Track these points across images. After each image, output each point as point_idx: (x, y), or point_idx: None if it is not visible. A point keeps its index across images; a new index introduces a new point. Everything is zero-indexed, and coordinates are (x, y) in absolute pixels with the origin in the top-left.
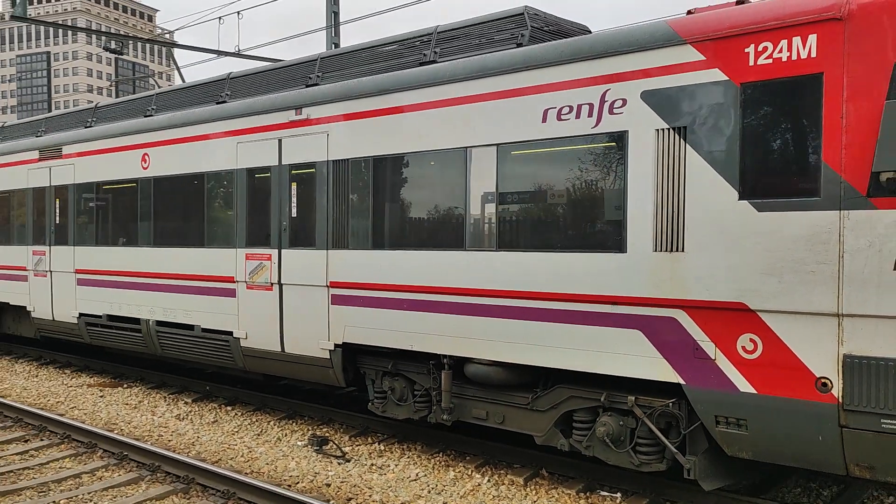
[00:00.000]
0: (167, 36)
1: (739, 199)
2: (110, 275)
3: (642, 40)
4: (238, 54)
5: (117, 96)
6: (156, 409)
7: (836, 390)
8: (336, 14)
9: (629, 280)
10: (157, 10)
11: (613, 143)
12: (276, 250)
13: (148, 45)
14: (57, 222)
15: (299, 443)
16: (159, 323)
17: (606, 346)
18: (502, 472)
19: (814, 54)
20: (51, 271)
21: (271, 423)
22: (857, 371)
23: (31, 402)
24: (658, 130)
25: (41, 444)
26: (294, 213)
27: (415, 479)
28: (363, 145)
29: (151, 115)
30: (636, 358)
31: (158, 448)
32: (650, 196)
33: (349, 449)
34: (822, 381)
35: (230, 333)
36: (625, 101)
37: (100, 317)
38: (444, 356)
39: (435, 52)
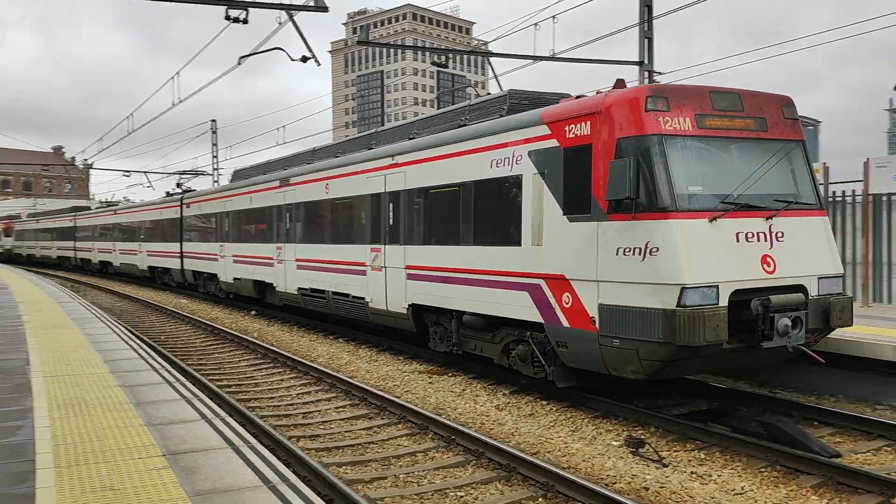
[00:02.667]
0: (483, 47)
1: (563, 214)
2: (311, 262)
3: (528, 121)
4: (553, 58)
5: (439, 107)
6: (477, 399)
7: (597, 324)
8: (649, 7)
9: (521, 262)
10: (474, 23)
11: (517, 182)
12: (383, 245)
13: (466, 57)
14: (287, 225)
15: (614, 443)
16: (333, 293)
17: (513, 301)
18: (843, 495)
19: (588, 132)
20: (281, 260)
21: (585, 420)
22: (605, 313)
23: (373, 384)
24: (534, 174)
25: (382, 422)
26: (391, 221)
27: (740, 493)
28: (419, 180)
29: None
30: (525, 308)
31: (482, 435)
32: (530, 213)
33: (666, 454)
34: (592, 318)
35: (363, 299)
36: (521, 157)
37: (306, 290)
38: (454, 310)
39: (466, 119)
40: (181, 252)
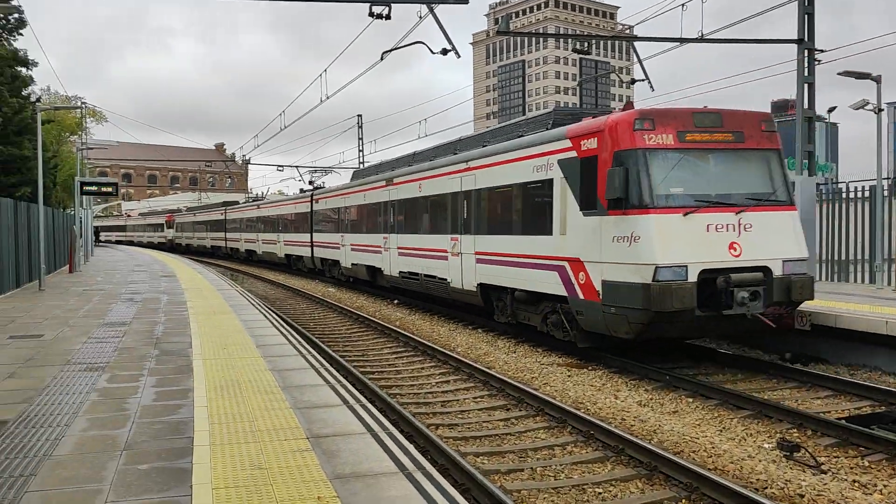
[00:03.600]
0: (627, 31)
1: (579, 210)
2: (408, 249)
3: (557, 136)
4: (701, 39)
5: (581, 95)
6: (618, 394)
7: (601, 295)
8: None
9: (552, 248)
10: (618, 7)
11: (550, 184)
12: (460, 235)
13: (609, 42)
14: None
15: (766, 445)
16: (424, 275)
17: (547, 280)
18: None
19: (595, 146)
20: (387, 248)
21: (734, 420)
22: (605, 287)
23: (511, 376)
24: (561, 178)
25: (519, 413)
26: (465, 216)
27: None
28: (485, 181)
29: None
30: (555, 285)
31: (622, 431)
32: (558, 209)
33: (824, 459)
34: (598, 291)
35: (445, 279)
36: (553, 164)
37: (405, 273)
38: (508, 287)
39: (523, 132)
40: (311, 242)
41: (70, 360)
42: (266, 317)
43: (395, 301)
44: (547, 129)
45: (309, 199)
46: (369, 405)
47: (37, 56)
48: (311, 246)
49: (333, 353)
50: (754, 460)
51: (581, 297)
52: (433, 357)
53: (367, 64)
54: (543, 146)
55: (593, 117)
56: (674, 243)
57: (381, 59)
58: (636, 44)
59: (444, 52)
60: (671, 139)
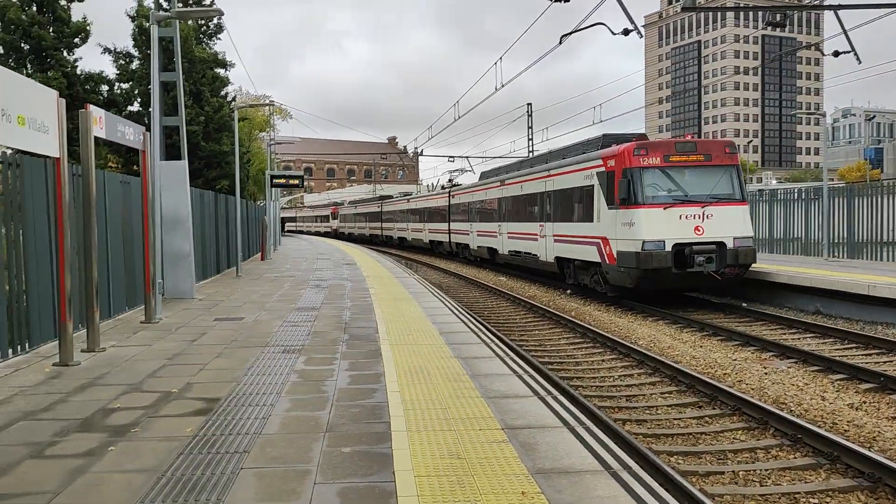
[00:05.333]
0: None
1: (607, 206)
2: (514, 234)
3: (595, 157)
4: None
5: (764, 76)
6: (825, 395)
7: (616, 260)
8: None
9: (593, 230)
10: None
11: (591, 188)
12: (543, 223)
13: (796, 17)
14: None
15: None
16: (525, 253)
17: (590, 252)
18: None
19: (613, 164)
20: (500, 234)
21: None
22: (618, 255)
23: (701, 371)
24: (597, 184)
25: (713, 412)
26: (547, 209)
27: None
28: (556, 185)
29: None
30: (595, 255)
31: (836, 436)
32: (595, 205)
33: None
34: (615, 257)
35: (537, 255)
36: (593, 175)
37: (512, 251)
38: (571, 258)
39: (584, 149)
40: (449, 230)
41: (269, 343)
42: (445, 304)
43: (568, 291)
44: (598, 148)
45: (447, 195)
46: (561, 397)
47: (231, 58)
48: (449, 233)
49: (512, 344)
50: None
51: (607, 262)
52: (613, 349)
53: (532, 55)
54: (589, 162)
55: (617, 143)
56: (655, 227)
57: (560, 42)
58: (840, 13)
59: (626, 32)
60: (658, 160)
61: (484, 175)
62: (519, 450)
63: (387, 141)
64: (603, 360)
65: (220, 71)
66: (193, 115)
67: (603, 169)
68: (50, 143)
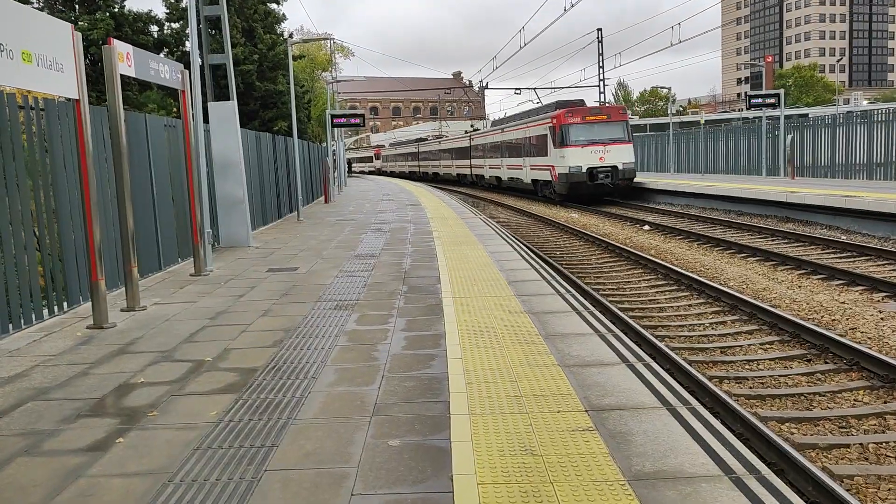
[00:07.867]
0: None
1: (553, 146)
2: (510, 167)
3: (547, 117)
4: None
5: (851, 44)
6: None
7: (558, 179)
8: None
9: (547, 161)
10: None
11: (546, 136)
12: (524, 157)
13: None
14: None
15: None
16: (515, 178)
17: (545, 174)
18: None
19: (556, 122)
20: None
21: None
22: (559, 175)
23: (804, 317)
24: (548, 134)
25: (825, 367)
26: (526, 149)
27: None
28: (531, 133)
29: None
30: (548, 176)
31: None
32: (549, 147)
33: None
34: (558, 177)
35: (522, 178)
36: (547, 128)
37: (509, 178)
38: (535, 179)
39: (546, 112)
40: (470, 164)
41: (321, 297)
42: (513, 247)
43: (646, 227)
44: (553, 111)
45: (469, 138)
46: (654, 365)
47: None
48: (470, 167)
49: (589, 289)
50: None
51: (554, 181)
52: (701, 292)
53: None
54: (545, 120)
55: (562, 108)
56: (576, 158)
57: None
58: None
59: None
60: (579, 119)
61: (494, 123)
62: (609, 441)
63: (452, 76)
64: (690, 305)
65: (273, 6)
66: (247, 53)
67: (552, 124)
68: (65, 83)
